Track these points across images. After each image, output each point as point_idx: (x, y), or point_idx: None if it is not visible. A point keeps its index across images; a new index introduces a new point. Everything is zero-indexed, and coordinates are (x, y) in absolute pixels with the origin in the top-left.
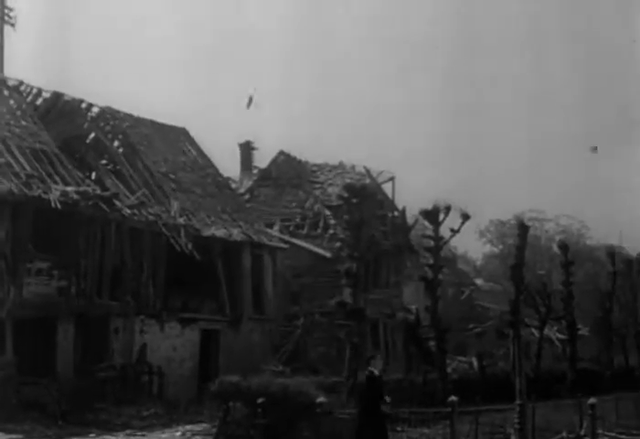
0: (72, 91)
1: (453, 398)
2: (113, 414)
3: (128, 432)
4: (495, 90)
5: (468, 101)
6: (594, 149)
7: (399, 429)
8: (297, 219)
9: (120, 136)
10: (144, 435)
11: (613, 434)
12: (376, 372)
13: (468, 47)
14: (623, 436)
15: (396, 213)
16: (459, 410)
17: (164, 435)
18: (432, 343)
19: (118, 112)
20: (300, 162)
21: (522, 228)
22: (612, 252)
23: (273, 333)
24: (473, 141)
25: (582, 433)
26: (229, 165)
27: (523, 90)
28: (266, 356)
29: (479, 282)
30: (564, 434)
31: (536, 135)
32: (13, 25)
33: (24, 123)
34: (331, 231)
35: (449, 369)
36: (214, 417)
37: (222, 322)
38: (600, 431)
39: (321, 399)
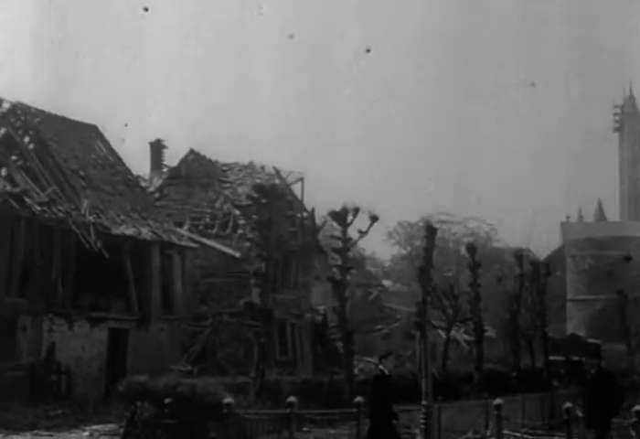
0: None
1: (360, 398)
2: (20, 414)
3: (35, 432)
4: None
5: (380, 103)
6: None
7: (305, 429)
8: (207, 219)
9: (31, 132)
10: (51, 436)
11: (519, 435)
12: (386, 372)
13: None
14: (528, 436)
15: (305, 214)
16: (365, 410)
17: (71, 436)
18: (339, 344)
19: (29, 107)
20: (210, 161)
21: (430, 230)
22: (519, 255)
23: (182, 333)
24: (383, 144)
25: (488, 433)
26: (140, 164)
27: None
28: (175, 356)
29: (387, 283)
30: (470, 435)
31: (449, 138)
32: None
33: None
34: (240, 231)
35: (356, 370)
36: (122, 417)
37: (131, 321)
38: (506, 431)
39: (228, 399)
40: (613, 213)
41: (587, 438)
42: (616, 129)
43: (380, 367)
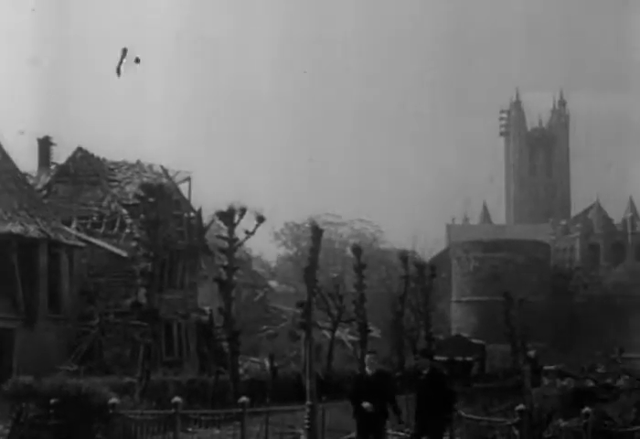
0: None
1: (244, 399)
2: None
3: None
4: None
5: (266, 103)
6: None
7: (190, 430)
8: (94, 218)
9: None
10: None
11: (402, 434)
12: (368, 370)
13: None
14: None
15: (192, 214)
16: (250, 410)
17: None
18: (225, 344)
19: None
20: (98, 159)
21: (316, 231)
22: (404, 256)
23: (69, 333)
24: (271, 144)
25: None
26: (27, 161)
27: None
28: (61, 356)
29: (273, 284)
30: (353, 435)
31: (340, 139)
32: None
33: None
34: (128, 231)
35: (241, 370)
36: (7, 418)
37: (17, 321)
38: (390, 431)
39: (114, 400)
40: (498, 216)
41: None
42: (502, 133)
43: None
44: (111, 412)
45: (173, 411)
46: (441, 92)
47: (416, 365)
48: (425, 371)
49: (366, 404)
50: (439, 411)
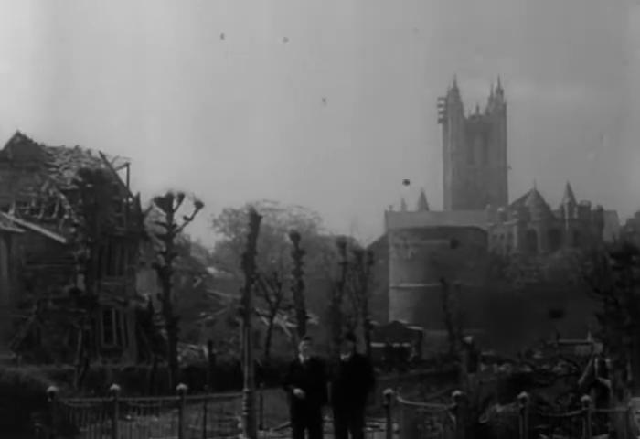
0: None
1: (182, 386)
2: None
3: None
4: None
5: (207, 90)
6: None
7: (128, 417)
8: (33, 204)
9: None
10: None
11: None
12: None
13: None
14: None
15: (130, 199)
16: (188, 398)
17: None
18: (163, 331)
19: None
20: (36, 144)
21: (254, 217)
22: (342, 243)
23: (6, 320)
24: (210, 131)
25: None
26: None
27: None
28: None
29: (212, 270)
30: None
31: (278, 129)
32: None
33: None
34: (66, 216)
35: (180, 358)
36: None
37: None
38: (326, 417)
39: (52, 388)
40: (436, 203)
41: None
42: (440, 120)
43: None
44: (49, 400)
45: (111, 398)
46: (378, 80)
47: (339, 349)
48: (348, 354)
49: (297, 391)
50: (358, 397)
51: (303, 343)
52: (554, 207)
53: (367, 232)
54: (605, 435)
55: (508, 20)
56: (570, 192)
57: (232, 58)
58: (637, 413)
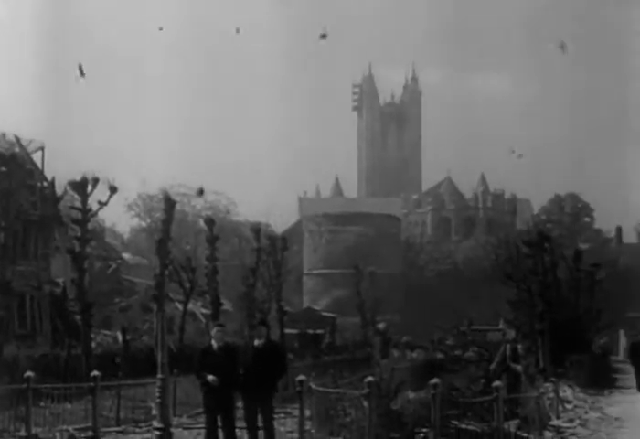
0: None
1: (96, 372)
2: None
3: None
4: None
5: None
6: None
7: (42, 404)
8: None
9: None
10: None
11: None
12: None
13: None
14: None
15: (45, 183)
16: (102, 384)
17: None
18: (77, 317)
19: None
20: None
21: (168, 202)
22: (257, 229)
23: None
24: (123, 114)
25: None
26: None
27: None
28: None
29: (126, 256)
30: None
31: (195, 112)
32: None
33: None
34: None
35: (94, 344)
36: None
37: None
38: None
39: None
40: (350, 189)
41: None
42: (355, 108)
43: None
44: None
45: (25, 385)
46: (292, 66)
47: (252, 335)
48: (261, 341)
49: (210, 377)
50: (270, 383)
51: (215, 329)
52: (468, 195)
53: (281, 218)
54: (516, 421)
55: (425, 8)
56: (483, 180)
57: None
58: (548, 399)
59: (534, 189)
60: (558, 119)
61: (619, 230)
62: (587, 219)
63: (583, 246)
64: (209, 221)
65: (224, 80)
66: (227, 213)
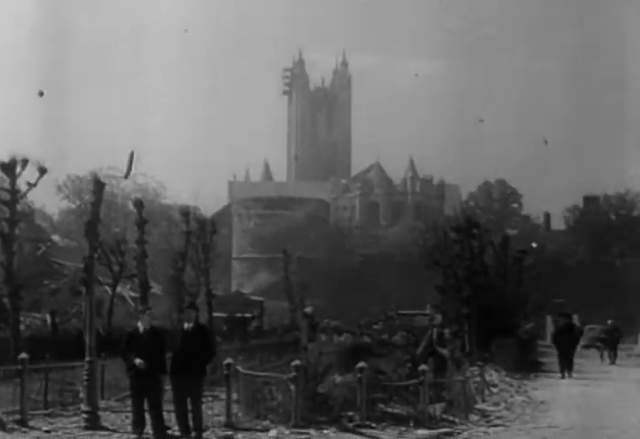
0: None
1: (24, 355)
2: None
3: None
4: None
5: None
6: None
7: None
8: None
9: None
10: None
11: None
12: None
13: None
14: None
15: None
16: (30, 367)
17: None
18: (5, 299)
19: None
20: None
21: (97, 184)
22: (186, 212)
23: None
24: (53, 94)
25: None
26: None
27: None
28: None
29: (56, 238)
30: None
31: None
32: None
33: None
34: None
35: (22, 327)
36: None
37: None
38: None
39: None
40: (280, 174)
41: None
42: (285, 92)
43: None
44: None
45: None
46: (224, 49)
47: (179, 318)
48: (190, 324)
49: (137, 361)
50: (198, 366)
51: (141, 312)
52: (397, 180)
53: (211, 202)
54: (442, 404)
55: None
56: (412, 166)
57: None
58: (474, 383)
59: (463, 175)
60: (489, 105)
61: (547, 216)
62: (515, 206)
63: (511, 232)
64: (138, 204)
65: (152, 60)
66: (156, 196)
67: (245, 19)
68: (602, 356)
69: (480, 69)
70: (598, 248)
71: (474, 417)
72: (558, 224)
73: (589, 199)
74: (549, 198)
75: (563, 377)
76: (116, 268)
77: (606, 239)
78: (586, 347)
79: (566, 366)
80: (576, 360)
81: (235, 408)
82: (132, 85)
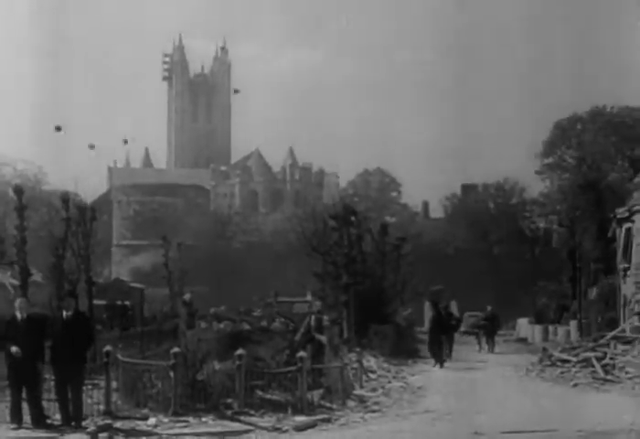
0: None
1: None
2: None
3: None
4: None
5: None
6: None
7: None
8: None
9: None
10: None
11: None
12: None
13: None
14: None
15: None
16: None
17: None
18: None
19: None
20: None
21: None
22: (66, 199)
23: None
24: None
25: None
26: None
27: None
28: None
29: None
30: None
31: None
32: None
33: None
34: None
35: None
36: None
37: None
38: (47, 375)
39: None
40: (160, 160)
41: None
42: (165, 78)
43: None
44: None
45: None
46: (107, 35)
47: (59, 306)
48: (69, 312)
49: (14, 349)
50: (78, 354)
51: (19, 300)
52: (276, 168)
53: (91, 188)
54: (320, 390)
55: None
56: (292, 154)
57: None
58: (352, 369)
59: (342, 163)
60: (369, 96)
61: (425, 204)
62: (394, 194)
63: (390, 220)
64: (18, 190)
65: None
66: (36, 182)
67: (126, 3)
68: (479, 343)
69: (356, 60)
70: (476, 235)
71: (351, 403)
72: (437, 213)
73: (467, 188)
74: (429, 187)
75: (436, 365)
76: None
77: (484, 226)
78: (466, 333)
79: (438, 354)
80: (455, 347)
81: (115, 396)
82: (19, 71)
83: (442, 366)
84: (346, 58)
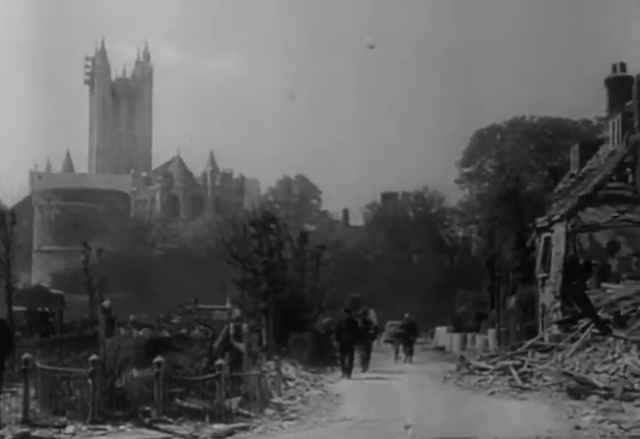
0: None
1: None
2: None
3: None
4: None
5: None
6: None
7: None
8: None
9: None
10: None
11: None
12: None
13: None
14: None
15: None
16: None
17: None
18: None
19: None
20: None
21: None
22: None
23: None
24: None
25: None
26: None
27: None
28: None
29: None
30: None
31: None
32: None
33: None
34: None
35: None
36: None
37: None
38: None
39: None
40: (81, 165)
41: None
42: (87, 82)
43: None
44: None
45: None
46: (33, 35)
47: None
48: None
49: None
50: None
51: None
52: (197, 174)
53: (12, 192)
54: (238, 398)
55: None
56: (212, 160)
57: None
58: (271, 377)
59: (262, 170)
60: (291, 103)
61: (345, 212)
62: (314, 202)
63: (310, 227)
64: None
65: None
66: None
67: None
68: (397, 352)
69: (283, 67)
70: (395, 244)
71: (269, 411)
72: (357, 221)
73: (387, 196)
74: (349, 195)
75: (344, 376)
76: None
77: (404, 235)
78: (388, 342)
79: (348, 365)
80: (375, 355)
81: (33, 404)
82: None
83: (349, 377)
84: (270, 63)
